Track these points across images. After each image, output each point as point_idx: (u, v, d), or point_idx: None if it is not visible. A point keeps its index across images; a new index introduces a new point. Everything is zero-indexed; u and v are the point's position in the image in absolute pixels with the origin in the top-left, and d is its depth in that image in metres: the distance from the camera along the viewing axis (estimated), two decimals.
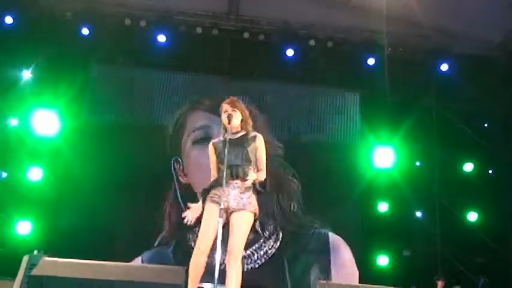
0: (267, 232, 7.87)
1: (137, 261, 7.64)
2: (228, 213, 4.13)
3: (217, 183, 4.22)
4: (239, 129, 4.32)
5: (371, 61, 8.90)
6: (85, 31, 8.54)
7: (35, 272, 2.92)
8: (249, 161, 4.22)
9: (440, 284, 7.49)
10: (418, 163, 9.12)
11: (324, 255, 7.90)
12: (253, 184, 4.18)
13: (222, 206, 4.00)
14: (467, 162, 8.93)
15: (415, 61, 9.11)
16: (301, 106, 8.73)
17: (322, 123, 8.61)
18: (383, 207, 8.54)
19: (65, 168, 8.22)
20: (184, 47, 8.72)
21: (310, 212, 8.10)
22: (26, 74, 8.41)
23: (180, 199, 8.04)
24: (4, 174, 8.24)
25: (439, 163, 8.90)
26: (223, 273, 4.03)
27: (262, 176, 4.26)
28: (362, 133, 8.60)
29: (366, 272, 7.91)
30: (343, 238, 8.04)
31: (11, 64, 8.14)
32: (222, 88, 8.52)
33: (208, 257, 4.11)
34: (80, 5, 8.48)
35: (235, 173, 4.14)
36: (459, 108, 8.94)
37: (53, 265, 3.02)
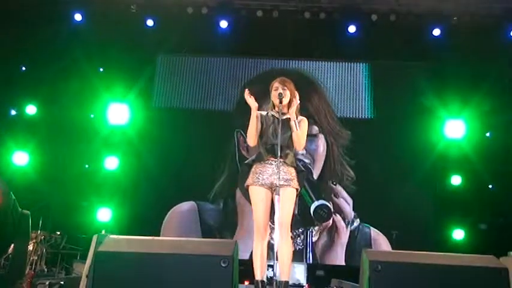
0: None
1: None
2: (272, 190, 4.28)
3: (258, 159, 4.38)
4: (286, 110, 4.41)
5: (436, 32, 8.65)
6: (150, 22, 8.81)
7: (101, 248, 3.27)
8: (292, 144, 4.42)
9: None
10: (488, 134, 8.85)
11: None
12: (296, 163, 4.44)
13: (275, 182, 4.17)
14: None
15: (482, 28, 8.73)
16: (367, 83, 8.64)
17: (390, 99, 8.50)
18: (456, 180, 8.40)
19: (138, 157, 8.62)
20: (246, 32, 8.82)
21: (372, 190, 8.18)
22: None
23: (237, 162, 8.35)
24: (87, 166, 8.72)
25: None
26: (273, 247, 4.19)
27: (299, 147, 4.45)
28: (431, 106, 8.41)
29: (442, 246, 7.84)
30: (416, 213, 8.03)
31: (86, 61, 8.48)
32: (285, 70, 8.65)
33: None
34: None
35: (281, 154, 4.25)
36: None
37: (116, 242, 3.38)
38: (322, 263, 8.04)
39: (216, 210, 8.36)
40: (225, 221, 8.31)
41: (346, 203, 8.20)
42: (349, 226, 8.15)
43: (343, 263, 8.09)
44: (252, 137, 4.43)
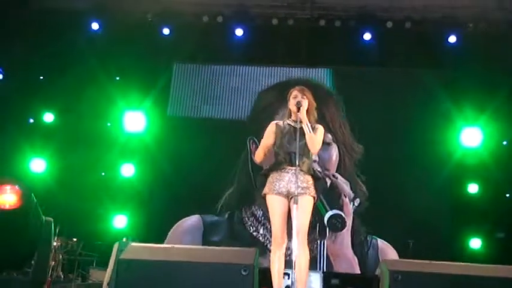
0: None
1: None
2: (289, 198, 4.29)
3: (275, 167, 4.40)
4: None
5: (452, 39, 8.63)
6: (166, 31, 8.88)
7: (123, 256, 3.32)
8: (309, 152, 4.42)
9: None
10: (505, 142, 8.77)
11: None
12: (313, 170, 4.44)
13: (292, 190, 4.15)
14: None
15: (498, 35, 8.70)
16: (382, 90, 8.62)
17: (405, 106, 8.47)
18: (473, 188, 8.34)
19: (154, 164, 8.66)
20: (261, 40, 8.87)
21: (384, 199, 8.10)
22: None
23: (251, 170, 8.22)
24: (103, 173, 8.79)
25: None
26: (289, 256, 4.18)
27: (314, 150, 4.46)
28: (447, 114, 8.37)
29: (459, 254, 7.77)
30: (432, 222, 7.95)
31: (102, 69, 8.55)
32: (301, 78, 8.67)
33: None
34: (159, 6, 8.79)
35: (298, 162, 4.26)
36: None
37: (137, 250, 3.45)
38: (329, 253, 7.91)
39: (222, 223, 8.23)
40: (231, 235, 8.17)
41: (344, 183, 8.04)
42: (351, 205, 8.03)
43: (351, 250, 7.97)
44: (260, 155, 4.54)
